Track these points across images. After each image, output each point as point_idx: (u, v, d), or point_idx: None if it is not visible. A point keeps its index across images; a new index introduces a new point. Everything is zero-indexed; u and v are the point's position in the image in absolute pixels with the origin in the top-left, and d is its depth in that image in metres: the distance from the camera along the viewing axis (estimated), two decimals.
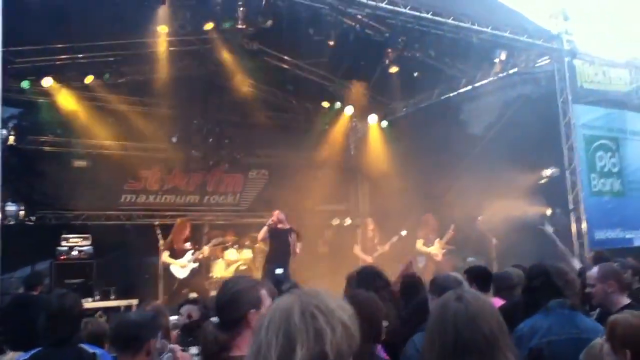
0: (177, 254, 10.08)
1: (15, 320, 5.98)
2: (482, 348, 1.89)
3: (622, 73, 11.30)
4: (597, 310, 3.91)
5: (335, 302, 1.55)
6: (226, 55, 11.44)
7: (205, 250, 10.42)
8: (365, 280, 4.51)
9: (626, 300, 3.77)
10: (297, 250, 10.11)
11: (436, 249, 11.43)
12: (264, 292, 2.58)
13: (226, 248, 12.43)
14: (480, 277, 4.70)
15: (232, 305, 2.52)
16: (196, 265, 10.19)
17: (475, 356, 1.89)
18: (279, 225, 10.06)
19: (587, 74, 10.73)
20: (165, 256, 10.00)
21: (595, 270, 3.96)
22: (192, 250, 10.21)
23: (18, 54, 9.98)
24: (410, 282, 5.42)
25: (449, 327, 1.94)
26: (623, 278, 3.90)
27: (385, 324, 3.60)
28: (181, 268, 10.00)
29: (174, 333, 4.23)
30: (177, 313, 5.92)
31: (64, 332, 3.51)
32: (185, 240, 10.25)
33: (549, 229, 5.97)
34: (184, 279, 10.03)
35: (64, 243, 10.30)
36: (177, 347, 3.05)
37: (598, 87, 10.91)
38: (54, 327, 3.50)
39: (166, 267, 10.06)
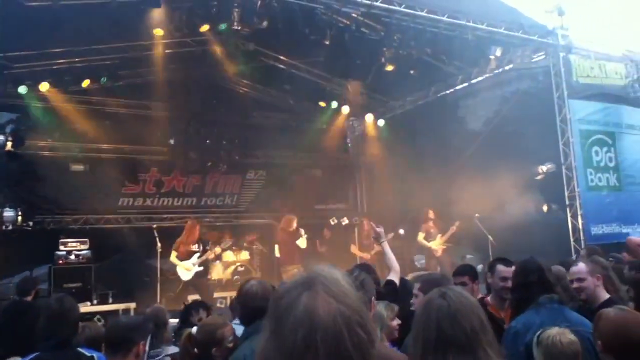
0: (183, 256, 10.09)
1: (11, 327, 5.98)
2: (462, 343, 1.96)
3: (618, 67, 11.28)
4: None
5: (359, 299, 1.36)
6: (222, 57, 11.45)
7: (218, 249, 10.53)
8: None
9: (606, 295, 3.94)
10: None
11: (437, 244, 11.45)
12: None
13: (224, 250, 12.45)
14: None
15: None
16: (201, 268, 10.19)
17: (455, 351, 1.95)
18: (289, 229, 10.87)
19: (583, 69, 10.70)
20: (172, 257, 10.04)
21: (583, 265, 4.01)
22: (199, 253, 10.18)
23: (15, 59, 10.05)
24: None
25: (432, 323, 2.01)
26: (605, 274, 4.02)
27: (397, 322, 3.62)
28: (186, 271, 10.01)
29: None
30: (179, 315, 5.94)
31: (63, 335, 3.54)
32: (194, 242, 10.25)
33: None
34: (188, 280, 10.05)
35: (62, 247, 10.31)
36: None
37: (594, 81, 10.88)
38: (54, 329, 3.52)
39: (170, 268, 10.12)
